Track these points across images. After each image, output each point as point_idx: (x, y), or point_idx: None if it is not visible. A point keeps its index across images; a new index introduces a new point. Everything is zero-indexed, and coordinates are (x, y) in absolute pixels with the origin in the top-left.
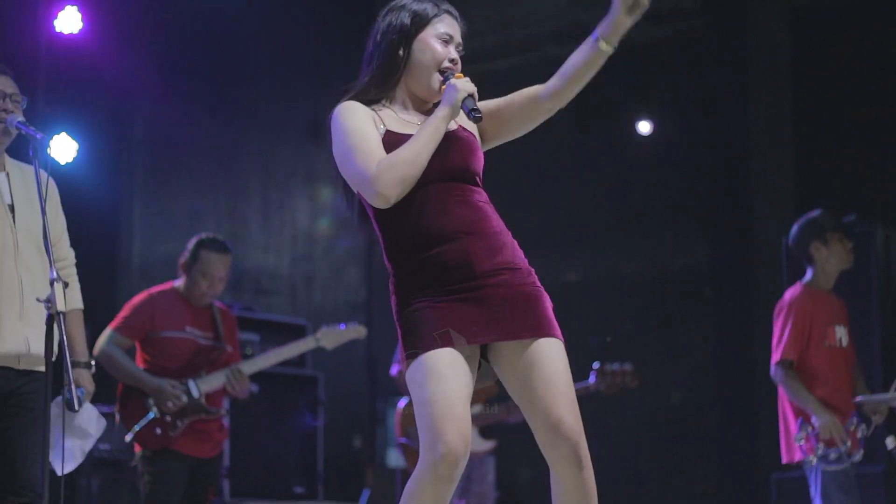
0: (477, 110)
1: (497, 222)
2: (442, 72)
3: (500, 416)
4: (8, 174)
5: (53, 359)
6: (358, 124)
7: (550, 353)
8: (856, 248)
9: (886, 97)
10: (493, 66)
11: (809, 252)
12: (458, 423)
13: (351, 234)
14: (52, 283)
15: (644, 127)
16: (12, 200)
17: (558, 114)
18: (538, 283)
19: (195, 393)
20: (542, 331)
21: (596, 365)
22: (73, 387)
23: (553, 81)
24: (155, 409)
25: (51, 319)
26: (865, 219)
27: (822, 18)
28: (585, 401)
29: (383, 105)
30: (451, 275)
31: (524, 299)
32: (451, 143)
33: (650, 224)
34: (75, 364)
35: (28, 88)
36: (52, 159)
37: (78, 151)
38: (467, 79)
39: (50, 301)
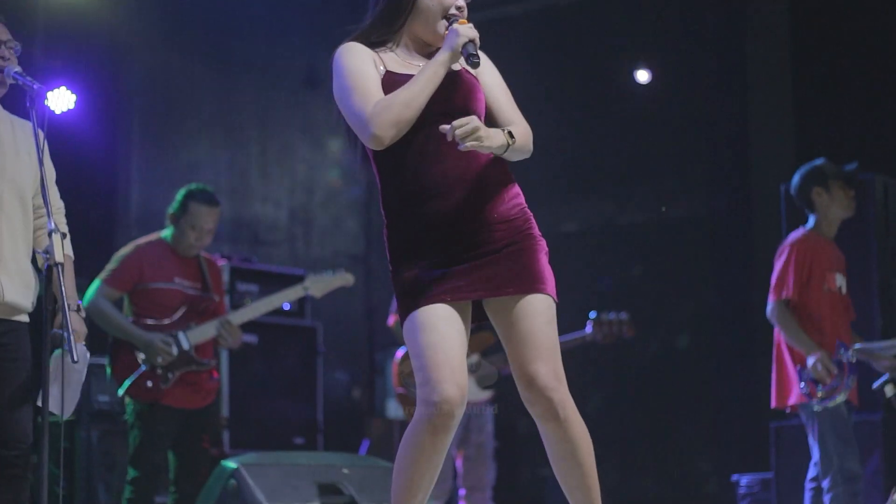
0: (475, 56)
1: (494, 170)
2: (447, 18)
3: (496, 367)
4: None
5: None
6: (357, 64)
7: (531, 310)
8: (856, 196)
9: (887, 45)
10: (494, 14)
11: (811, 198)
12: (453, 373)
13: (349, 184)
14: (50, 235)
15: (642, 76)
16: None
17: (557, 62)
18: (533, 232)
19: (185, 345)
20: (527, 286)
21: (592, 314)
22: (71, 338)
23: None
24: (146, 364)
25: (49, 270)
26: (864, 168)
27: None
28: (583, 349)
29: (387, 48)
30: (441, 236)
31: (513, 254)
32: (454, 84)
33: (649, 173)
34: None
35: (25, 40)
36: (49, 110)
37: (75, 103)
38: (470, 25)
39: (48, 252)
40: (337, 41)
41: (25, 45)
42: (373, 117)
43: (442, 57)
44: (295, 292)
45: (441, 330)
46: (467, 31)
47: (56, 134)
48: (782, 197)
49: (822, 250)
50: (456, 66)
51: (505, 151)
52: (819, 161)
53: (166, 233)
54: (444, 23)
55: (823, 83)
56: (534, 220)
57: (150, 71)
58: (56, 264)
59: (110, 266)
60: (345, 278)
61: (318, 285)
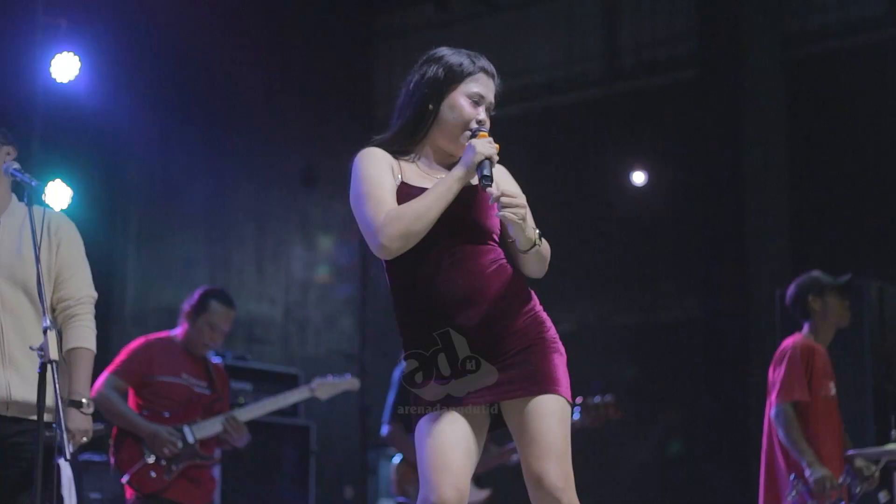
0: (488, 177)
1: (503, 285)
2: (469, 130)
3: (495, 460)
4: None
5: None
6: (374, 171)
7: (542, 410)
8: (850, 306)
9: (879, 151)
10: (493, 114)
11: (807, 306)
12: (452, 476)
13: (345, 283)
14: (45, 332)
15: (638, 178)
16: None
17: (554, 163)
18: (546, 335)
19: (190, 439)
20: (537, 387)
21: (579, 399)
22: (64, 435)
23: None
24: (151, 455)
25: (44, 367)
26: (859, 273)
27: (817, 72)
28: (575, 441)
29: (409, 158)
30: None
31: (525, 357)
32: (471, 199)
33: (644, 275)
34: (69, 402)
35: (24, 134)
36: (47, 206)
37: (72, 198)
38: (490, 140)
39: (43, 349)
40: (333, 142)
41: (23, 138)
42: (382, 227)
43: (458, 173)
44: (301, 394)
45: (447, 435)
46: (484, 147)
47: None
48: (777, 302)
49: (818, 356)
50: (473, 180)
51: (529, 249)
52: (815, 272)
53: (177, 331)
54: (467, 134)
55: (818, 186)
56: (549, 323)
57: (147, 167)
58: (50, 362)
59: (120, 358)
60: (351, 383)
61: (324, 388)
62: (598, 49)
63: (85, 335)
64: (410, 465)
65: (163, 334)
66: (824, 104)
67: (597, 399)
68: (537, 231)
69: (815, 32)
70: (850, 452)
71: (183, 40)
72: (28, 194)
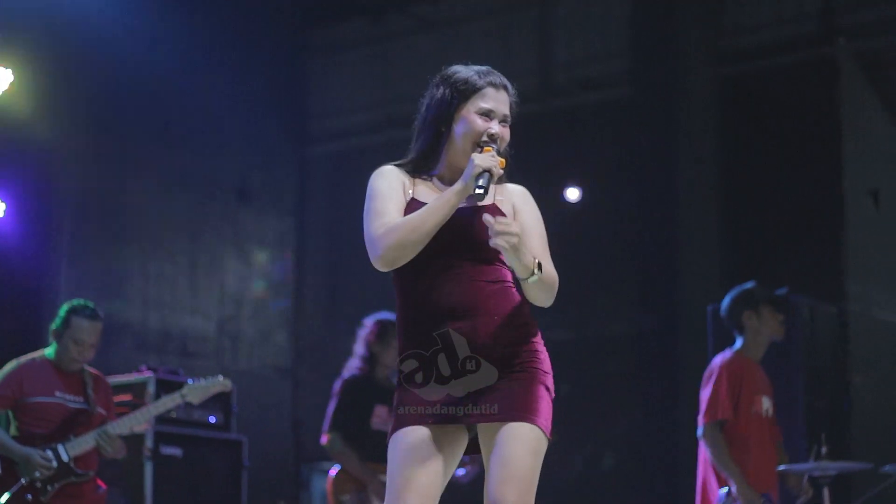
0: (481, 187)
1: (499, 306)
2: (479, 145)
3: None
4: None
5: None
6: (382, 188)
7: (514, 435)
8: (785, 320)
9: (812, 169)
10: None
11: (741, 321)
12: (418, 494)
13: (279, 297)
14: None
15: (572, 194)
16: None
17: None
18: (537, 367)
19: (64, 457)
20: (513, 415)
21: None
22: None
23: None
24: (25, 476)
25: None
26: (791, 290)
27: (750, 88)
28: None
29: (426, 177)
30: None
31: (509, 385)
32: (473, 218)
33: (577, 291)
34: None
35: None
36: None
37: (5, 212)
38: (492, 154)
39: None
40: (268, 156)
41: None
42: (379, 238)
43: (457, 186)
44: (173, 400)
45: (413, 450)
46: (484, 160)
47: None
48: (709, 317)
49: (750, 373)
50: (489, 200)
51: (528, 277)
52: (749, 284)
53: (49, 350)
54: (477, 150)
55: (751, 204)
56: (543, 357)
57: (80, 180)
58: None
59: None
60: (223, 384)
61: (195, 392)
62: (532, 65)
63: None
64: (348, 475)
65: (35, 354)
66: (757, 121)
67: None
68: (537, 260)
69: (748, 50)
70: (781, 468)
71: (116, 54)
72: None
